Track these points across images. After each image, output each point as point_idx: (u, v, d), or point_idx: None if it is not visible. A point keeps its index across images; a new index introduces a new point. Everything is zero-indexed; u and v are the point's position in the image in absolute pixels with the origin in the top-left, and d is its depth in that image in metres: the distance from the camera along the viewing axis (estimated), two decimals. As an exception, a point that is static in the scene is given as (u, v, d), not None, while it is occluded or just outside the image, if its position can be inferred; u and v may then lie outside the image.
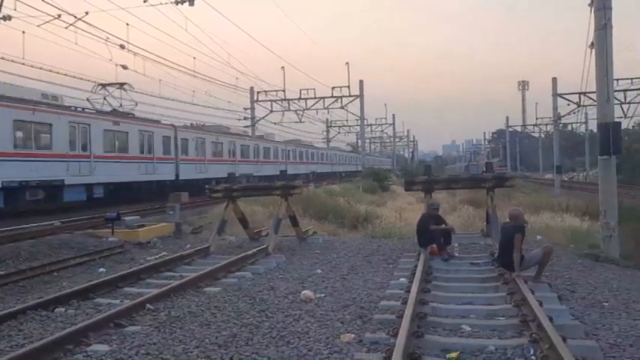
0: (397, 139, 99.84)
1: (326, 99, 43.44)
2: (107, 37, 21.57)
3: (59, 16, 19.83)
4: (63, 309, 7.42)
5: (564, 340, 5.24)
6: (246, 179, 30.97)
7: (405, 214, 22.65)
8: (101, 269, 10.79)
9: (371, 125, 75.22)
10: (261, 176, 37.81)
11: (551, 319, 5.85)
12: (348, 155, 77.64)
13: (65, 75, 24.75)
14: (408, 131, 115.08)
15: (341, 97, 43.38)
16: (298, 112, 46.09)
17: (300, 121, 48.62)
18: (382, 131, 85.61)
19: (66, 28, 20.32)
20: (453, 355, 5.46)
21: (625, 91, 36.99)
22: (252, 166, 38.66)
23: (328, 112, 50.84)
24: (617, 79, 32.10)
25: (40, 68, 23.22)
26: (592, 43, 13.28)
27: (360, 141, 67.60)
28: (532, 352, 5.43)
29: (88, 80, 25.85)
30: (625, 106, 38.01)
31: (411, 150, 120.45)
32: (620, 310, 7.14)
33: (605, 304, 7.49)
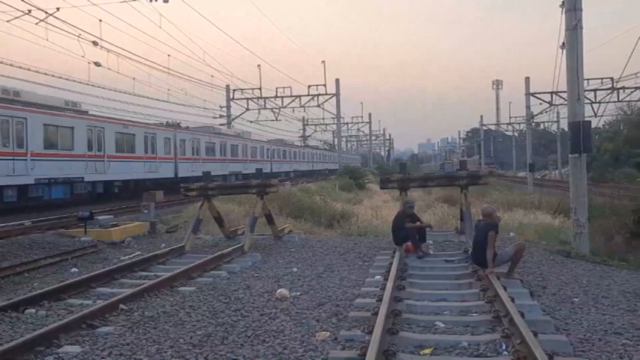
0: (373, 138, 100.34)
1: (302, 97, 43.44)
2: (79, 34, 21.24)
3: (29, 11, 19.46)
4: (33, 310, 7.29)
5: (535, 335, 5.32)
6: (74, 188, 22.62)
7: (380, 212, 22.80)
8: (73, 269, 10.62)
9: (347, 124, 75.49)
10: (106, 181, 24.85)
11: (522, 315, 5.94)
12: (299, 152, 62.22)
13: (37, 72, 24.28)
14: (384, 130, 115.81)
15: (317, 95, 43.43)
16: (274, 110, 45.97)
17: (277, 120, 48.57)
18: (358, 129, 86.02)
19: (37, 24, 19.94)
20: (427, 351, 5.52)
21: (595, 90, 37.74)
22: (78, 164, 22.64)
23: (305, 111, 50.81)
24: (588, 79, 32.72)
25: (11, 65, 22.75)
26: (563, 44, 13.49)
27: (336, 139, 67.52)
28: (504, 347, 5.52)
29: (60, 77, 25.40)
30: (595, 106, 38.78)
31: (387, 148, 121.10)
32: (590, 306, 7.29)
33: (576, 299, 7.64)
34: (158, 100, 37.20)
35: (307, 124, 71.32)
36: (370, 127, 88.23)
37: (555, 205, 22.21)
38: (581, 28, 13.03)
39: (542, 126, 66.64)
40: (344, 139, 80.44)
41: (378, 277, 8.89)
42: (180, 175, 30.71)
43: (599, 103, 39.00)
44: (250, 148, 44.35)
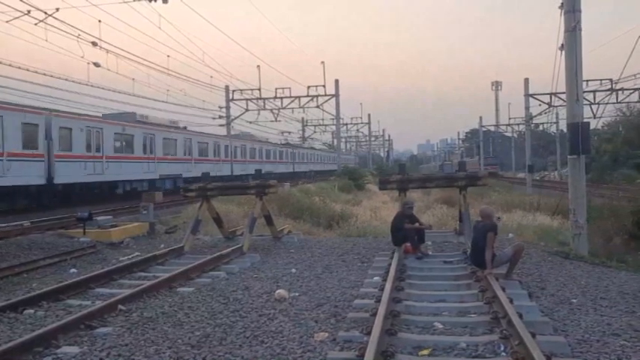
0: (373, 139, 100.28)
1: (302, 98, 43.38)
2: (79, 34, 21.22)
3: (29, 12, 19.45)
4: (32, 310, 7.30)
5: (533, 336, 5.33)
6: None
7: (380, 213, 22.83)
8: (72, 270, 10.62)
9: (346, 125, 75.38)
10: None
11: (521, 316, 5.95)
12: (275, 150, 51.65)
13: (36, 72, 24.25)
14: (383, 130, 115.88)
15: (317, 96, 43.36)
16: (274, 111, 45.93)
17: (276, 120, 48.52)
18: (358, 130, 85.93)
19: (36, 24, 19.93)
20: (425, 352, 5.52)
21: (594, 91, 37.75)
22: None
23: (304, 112, 50.68)
24: (587, 80, 32.77)
25: (10, 65, 22.72)
26: (562, 45, 13.50)
27: (335, 140, 67.37)
28: (502, 348, 5.52)
29: (59, 78, 25.38)
30: (594, 107, 38.80)
31: (386, 149, 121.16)
32: (588, 307, 7.30)
33: (574, 300, 7.65)
34: (157, 100, 36.97)
35: (307, 125, 71.19)
36: (369, 128, 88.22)
37: (554, 206, 22.22)
38: (580, 29, 13.03)
39: (541, 127, 66.63)
40: (343, 139, 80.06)
41: (376, 278, 8.90)
42: (60, 180, 21.86)
43: (598, 104, 39.01)
44: (197, 144, 34.43)
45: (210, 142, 36.87)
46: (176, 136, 31.98)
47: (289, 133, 63.33)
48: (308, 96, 43.29)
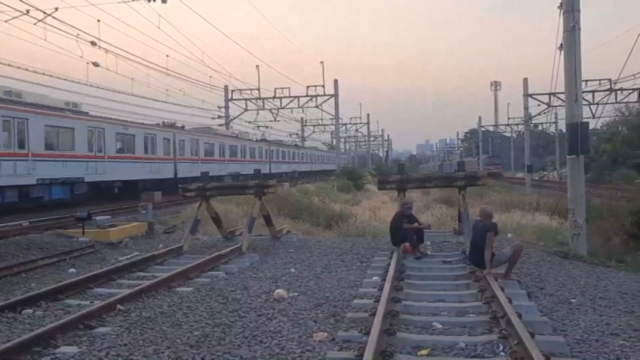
0: (372, 138, 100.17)
1: (301, 98, 43.39)
2: (78, 34, 21.20)
3: (28, 11, 19.43)
4: (31, 310, 7.29)
5: (532, 335, 5.33)
6: None
7: (379, 213, 22.83)
8: (71, 270, 10.62)
9: (345, 125, 75.35)
10: None
11: (520, 316, 5.95)
12: (245, 147, 42.42)
13: (35, 72, 24.23)
14: (382, 130, 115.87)
15: (316, 96, 43.38)
16: (273, 111, 45.94)
17: (275, 120, 48.52)
18: (357, 130, 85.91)
19: (35, 24, 19.91)
20: (424, 352, 5.52)
21: (593, 91, 37.81)
22: None
23: (303, 111, 50.68)
24: (586, 80, 32.80)
25: (9, 65, 22.69)
26: (561, 45, 13.51)
27: (335, 140, 67.26)
28: (501, 348, 5.52)
29: (58, 77, 25.34)
30: (593, 107, 38.85)
31: (385, 149, 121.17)
32: (587, 307, 7.30)
33: (573, 300, 7.65)
34: (156, 100, 36.65)
35: (306, 125, 71.12)
36: (368, 128, 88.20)
37: (553, 206, 22.23)
38: (579, 29, 13.04)
39: (540, 127, 66.64)
40: (342, 139, 79.83)
41: (375, 277, 8.90)
42: None
43: (597, 104, 39.09)
44: (115, 136, 25.18)
45: (139, 135, 26.91)
46: (73, 123, 22.15)
47: (266, 127, 52.33)
48: (307, 96, 43.33)
